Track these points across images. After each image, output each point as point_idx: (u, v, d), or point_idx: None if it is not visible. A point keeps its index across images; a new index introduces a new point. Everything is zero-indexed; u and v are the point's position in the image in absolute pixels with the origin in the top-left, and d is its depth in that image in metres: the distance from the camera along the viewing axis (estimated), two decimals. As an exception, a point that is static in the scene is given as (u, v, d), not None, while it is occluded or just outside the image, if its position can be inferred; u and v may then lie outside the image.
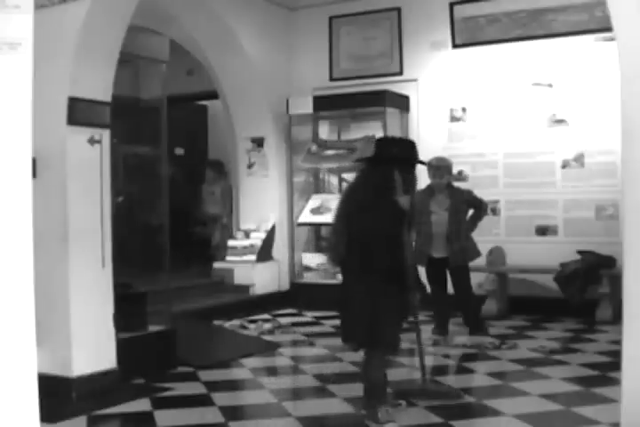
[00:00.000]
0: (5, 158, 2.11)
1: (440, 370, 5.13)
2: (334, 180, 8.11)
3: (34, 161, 2.40)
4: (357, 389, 4.05)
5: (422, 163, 3.92)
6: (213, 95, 8.23)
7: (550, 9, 6.99)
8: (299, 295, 7.58)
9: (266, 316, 6.98)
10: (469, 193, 5.96)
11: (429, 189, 5.96)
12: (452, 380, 4.81)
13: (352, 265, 3.64)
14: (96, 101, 4.39)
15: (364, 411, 3.76)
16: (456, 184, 6.13)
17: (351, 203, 3.70)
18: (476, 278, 6.26)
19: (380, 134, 7.48)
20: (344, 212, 3.69)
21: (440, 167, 5.86)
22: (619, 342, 3.23)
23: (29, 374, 2.11)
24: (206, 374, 4.80)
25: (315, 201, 7.68)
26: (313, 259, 7.56)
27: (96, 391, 4.28)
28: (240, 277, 7.45)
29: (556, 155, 7.00)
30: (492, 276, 6.86)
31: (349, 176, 7.87)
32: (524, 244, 7.06)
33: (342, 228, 3.64)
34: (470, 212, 5.95)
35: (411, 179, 3.72)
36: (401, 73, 7.72)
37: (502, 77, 7.23)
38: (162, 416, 3.91)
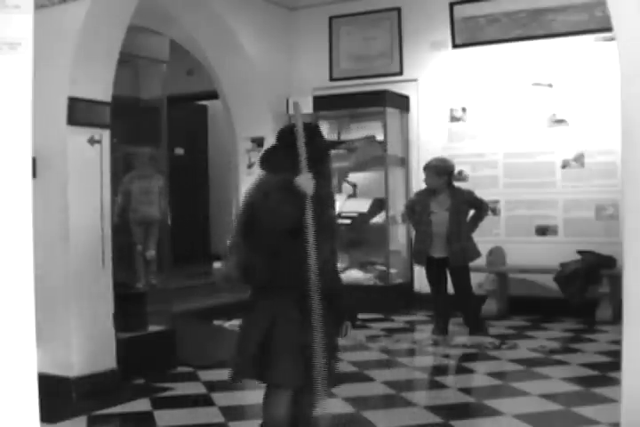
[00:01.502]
0: (5, 158, 2.11)
1: (440, 370, 5.14)
2: (334, 180, 8.12)
3: (34, 161, 2.40)
4: (358, 389, 4.06)
5: (331, 147, 3.25)
6: (213, 95, 8.23)
7: (550, 9, 6.99)
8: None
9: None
10: (470, 193, 5.96)
11: (429, 188, 5.98)
12: (451, 380, 4.82)
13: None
14: (96, 101, 4.39)
15: None
16: (456, 184, 6.13)
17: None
18: (475, 278, 6.26)
19: (380, 134, 7.51)
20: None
21: (427, 168, 5.91)
22: (619, 342, 3.23)
23: (29, 374, 2.10)
24: (206, 374, 4.80)
25: (315, 201, 7.67)
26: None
27: (96, 391, 4.28)
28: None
29: (556, 155, 7.00)
30: (492, 276, 6.86)
31: (349, 176, 7.91)
32: (524, 244, 7.05)
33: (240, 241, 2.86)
34: (471, 212, 5.95)
35: (320, 169, 2.85)
36: (401, 73, 7.72)
37: (502, 77, 7.23)
38: (162, 416, 3.91)
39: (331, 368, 2.73)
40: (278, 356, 2.71)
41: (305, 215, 2.66)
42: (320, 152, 2.87)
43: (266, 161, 2.92)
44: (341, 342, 3.05)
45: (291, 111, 7.69)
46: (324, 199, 2.82)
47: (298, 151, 2.73)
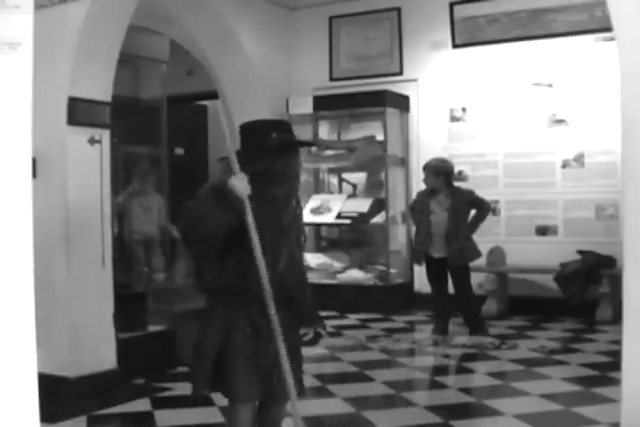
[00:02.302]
0: (5, 158, 2.10)
1: (440, 370, 5.14)
2: (334, 180, 8.12)
3: (34, 161, 2.40)
4: (357, 389, 4.07)
5: (300, 144, 2.93)
6: (213, 95, 8.22)
7: (550, 9, 6.99)
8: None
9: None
10: (471, 193, 5.96)
11: (430, 188, 5.98)
12: (451, 380, 4.82)
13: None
14: (96, 101, 4.39)
15: None
16: (457, 184, 6.13)
17: None
18: (476, 278, 6.25)
19: (380, 134, 7.51)
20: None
21: (426, 168, 5.92)
22: (619, 342, 3.23)
23: (29, 374, 2.10)
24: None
25: (315, 201, 7.68)
26: (313, 259, 7.55)
27: (96, 391, 4.27)
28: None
29: (556, 155, 7.00)
30: (492, 276, 6.86)
31: (349, 176, 7.92)
32: (524, 244, 7.05)
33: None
34: (472, 212, 5.95)
35: (295, 168, 2.65)
36: (401, 73, 7.72)
37: (502, 77, 7.23)
38: (162, 416, 3.91)
39: (296, 377, 2.57)
40: (232, 369, 2.54)
41: (243, 220, 2.44)
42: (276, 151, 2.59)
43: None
44: (315, 349, 2.81)
45: (291, 111, 7.71)
46: (283, 200, 2.61)
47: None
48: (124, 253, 5.65)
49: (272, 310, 2.50)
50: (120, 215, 5.55)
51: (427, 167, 5.94)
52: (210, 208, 2.41)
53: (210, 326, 2.61)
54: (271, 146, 2.58)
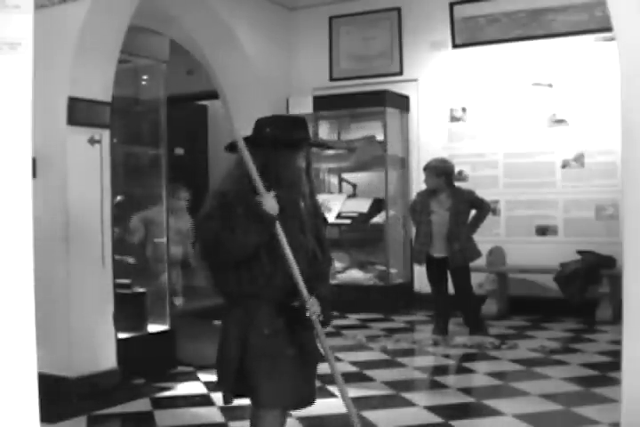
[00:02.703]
0: (5, 158, 2.10)
1: (440, 370, 5.14)
2: (334, 180, 8.11)
3: (34, 161, 2.40)
4: (358, 389, 4.06)
5: (315, 145, 2.97)
6: (213, 95, 8.22)
7: (550, 9, 6.99)
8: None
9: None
10: (471, 193, 5.96)
11: (430, 189, 5.98)
12: (451, 380, 4.81)
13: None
14: (96, 101, 4.39)
15: None
16: (457, 184, 6.13)
17: None
18: (476, 278, 6.25)
19: (380, 134, 7.51)
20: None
21: (427, 169, 5.91)
22: (619, 342, 3.23)
23: (29, 374, 2.10)
24: (206, 374, 4.80)
25: (315, 201, 7.67)
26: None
27: (96, 391, 4.28)
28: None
29: (556, 155, 7.00)
30: (492, 276, 6.86)
31: (349, 176, 7.91)
32: (524, 244, 7.06)
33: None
34: (472, 212, 5.95)
35: (293, 169, 2.57)
36: (401, 73, 7.72)
37: (502, 77, 7.23)
38: (162, 416, 3.91)
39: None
40: (254, 374, 2.48)
41: (273, 237, 2.43)
42: (296, 153, 2.56)
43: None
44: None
45: (291, 111, 7.71)
46: (286, 200, 2.52)
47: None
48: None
49: (302, 312, 2.47)
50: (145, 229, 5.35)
51: (428, 168, 5.95)
52: (242, 230, 2.38)
53: (228, 331, 2.55)
54: (261, 141, 2.54)
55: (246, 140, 2.53)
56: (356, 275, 7.39)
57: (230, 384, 2.53)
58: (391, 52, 7.78)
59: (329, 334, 6.01)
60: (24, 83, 2.13)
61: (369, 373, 4.77)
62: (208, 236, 2.43)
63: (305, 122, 2.70)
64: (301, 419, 3.83)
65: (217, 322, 6.33)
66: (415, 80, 7.63)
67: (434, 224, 5.86)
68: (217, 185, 2.65)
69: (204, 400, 4.23)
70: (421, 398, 4.25)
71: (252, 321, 2.50)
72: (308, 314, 2.47)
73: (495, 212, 7.09)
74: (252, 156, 2.47)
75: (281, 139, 2.54)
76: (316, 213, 2.68)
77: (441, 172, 5.89)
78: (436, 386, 4.60)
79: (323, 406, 4.06)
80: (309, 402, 2.65)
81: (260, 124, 2.63)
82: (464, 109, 7.41)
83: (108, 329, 4.47)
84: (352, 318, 6.82)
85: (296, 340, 2.50)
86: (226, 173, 2.65)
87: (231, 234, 2.38)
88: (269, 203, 2.40)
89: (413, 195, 6.62)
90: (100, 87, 4.45)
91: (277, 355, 2.49)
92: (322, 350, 2.57)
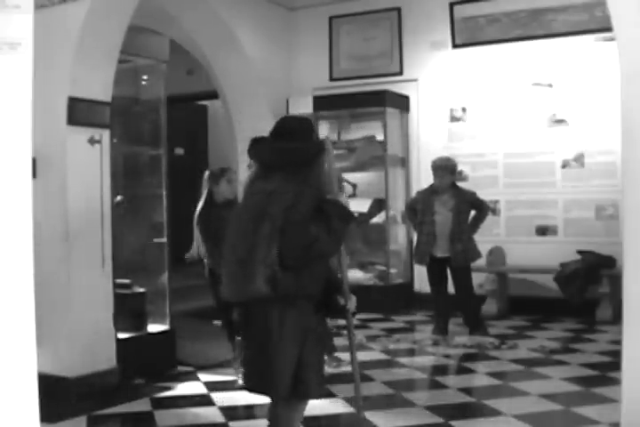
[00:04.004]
0: (5, 158, 2.11)
1: (440, 370, 5.14)
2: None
3: (34, 161, 2.40)
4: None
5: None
6: (213, 95, 8.22)
7: (550, 9, 6.99)
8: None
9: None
10: (473, 194, 5.95)
11: (431, 188, 5.98)
12: (451, 380, 4.82)
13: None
14: (96, 101, 4.39)
15: None
16: (458, 184, 6.13)
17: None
18: (476, 278, 6.25)
19: (380, 134, 7.50)
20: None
21: (441, 167, 5.88)
22: (619, 342, 3.24)
23: (29, 374, 2.10)
24: (206, 374, 4.80)
25: (315, 201, 7.67)
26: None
27: (96, 391, 4.28)
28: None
29: (556, 155, 7.00)
30: (492, 276, 6.86)
31: (349, 176, 7.91)
32: (524, 244, 7.06)
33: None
34: (472, 213, 5.95)
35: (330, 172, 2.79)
36: (401, 73, 7.72)
37: (502, 77, 7.23)
38: (162, 416, 3.92)
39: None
40: (308, 369, 2.65)
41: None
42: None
43: (274, 153, 2.74)
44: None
45: (291, 111, 7.71)
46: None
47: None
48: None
49: (350, 310, 2.87)
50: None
51: (439, 167, 5.87)
52: (334, 231, 2.60)
53: (285, 332, 2.62)
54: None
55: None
56: (355, 275, 7.38)
57: (288, 381, 2.62)
58: (391, 52, 7.78)
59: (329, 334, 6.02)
60: (24, 83, 2.13)
61: (369, 373, 4.77)
62: (307, 239, 2.55)
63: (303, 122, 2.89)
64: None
65: (217, 322, 6.37)
66: (415, 80, 7.63)
67: (437, 224, 5.85)
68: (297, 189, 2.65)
69: (204, 400, 4.23)
70: (421, 398, 4.25)
71: (309, 321, 2.68)
72: (349, 309, 2.85)
73: (495, 212, 7.09)
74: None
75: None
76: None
77: (453, 169, 5.90)
78: (435, 386, 4.60)
79: (323, 407, 4.07)
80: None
81: (305, 126, 2.82)
82: (464, 109, 7.41)
83: (108, 329, 4.48)
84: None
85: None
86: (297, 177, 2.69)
87: (327, 235, 2.58)
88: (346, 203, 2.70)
89: (413, 195, 6.60)
90: (100, 87, 4.45)
91: (323, 349, 2.81)
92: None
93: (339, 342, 5.69)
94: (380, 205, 7.49)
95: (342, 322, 6.48)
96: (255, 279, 2.54)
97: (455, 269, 5.92)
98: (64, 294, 4.26)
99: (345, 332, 3.08)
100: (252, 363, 2.72)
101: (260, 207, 2.60)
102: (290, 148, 2.71)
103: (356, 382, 2.92)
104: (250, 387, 2.74)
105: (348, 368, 4.86)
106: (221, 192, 4.80)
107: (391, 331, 6.21)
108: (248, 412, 4.16)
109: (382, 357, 5.30)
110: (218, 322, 6.29)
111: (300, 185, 2.63)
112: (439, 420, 3.76)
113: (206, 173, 4.91)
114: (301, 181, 2.65)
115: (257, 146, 2.81)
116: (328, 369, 4.33)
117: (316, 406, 4.09)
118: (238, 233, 2.68)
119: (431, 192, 5.96)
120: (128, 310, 4.73)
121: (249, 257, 2.57)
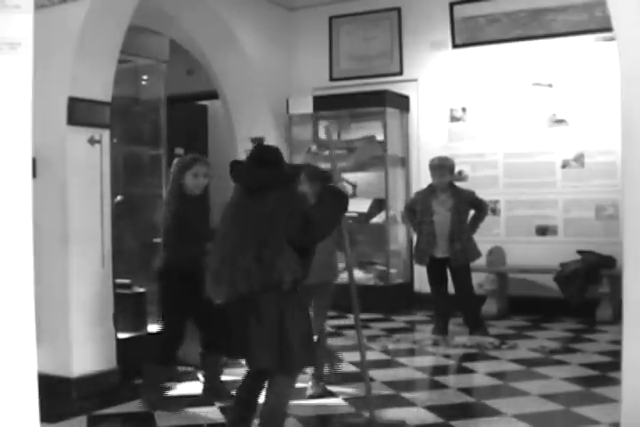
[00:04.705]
0: (5, 158, 2.11)
1: (440, 370, 5.14)
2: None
3: (34, 161, 2.40)
4: (358, 389, 4.05)
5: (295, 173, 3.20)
6: (213, 95, 8.22)
7: (550, 9, 6.99)
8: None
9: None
10: (472, 194, 5.95)
11: (430, 187, 5.98)
12: (452, 380, 4.81)
13: None
14: (96, 101, 4.39)
15: None
16: (456, 184, 6.13)
17: None
18: (476, 278, 6.25)
19: (380, 134, 7.50)
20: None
21: (440, 166, 5.88)
22: (619, 342, 3.24)
23: (29, 374, 2.11)
24: (206, 374, 4.79)
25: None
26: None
27: (96, 391, 4.28)
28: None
29: (556, 155, 7.00)
30: (492, 276, 6.86)
31: (349, 176, 7.90)
32: (524, 244, 7.06)
33: None
34: (471, 212, 5.95)
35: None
36: (401, 73, 7.72)
37: (502, 77, 7.23)
38: (162, 416, 3.91)
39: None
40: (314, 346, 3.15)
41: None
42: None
43: (252, 177, 3.02)
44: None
45: (291, 111, 7.72)
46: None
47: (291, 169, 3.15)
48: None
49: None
50: None
51: (440, 166, 5.86)
52: (331, 205, 3.06)
53: (303, 314, 3.09)
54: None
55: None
56: (355, 275, 7.37)
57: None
58: (391, 52, 7.78)
59: (330, 334, 6.02)
60: (24, 83, 2.13)
61: (369, 373, 4.75)
62: (304, 218, 2.91)
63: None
64: (302, 419, 3.82)
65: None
66: (415, 80, 7.63)
67: (436, 224, 5.85)
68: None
69: (203, 400, 4.22)
70: (421, 398, 4.25)
71: (299, 303, 3.06)
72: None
73: (495, 212, 7.09)
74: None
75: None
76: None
77: (451, 168, 5.91)
78: (435, 386, 4.60)
79: (323, 407, 4.07)
80: None
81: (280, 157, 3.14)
82: (464, 109, 7.41)
83: (108, 329, 4.48)
84: (352, 318, 6.80)
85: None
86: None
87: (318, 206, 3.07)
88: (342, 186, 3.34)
89: (412, 195, 6.60)
90: (99, 87, 4.45)
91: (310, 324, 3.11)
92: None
93: (339, 342, 5.70)
94: (379, 205, 7.49)
95: (346, 322, 6.52)
96: (275, 270, 2.84)
97: (455, 269, 5.92)
98: (64, 294, 4.26)
99: (345, 332, 3.19)
100: (266, 346, 2.92)
101: (263, 224, 2.91)
102: (272, 174, 3.01)
103: (366, 381, 3.22)
104: (267, 368, 2.99)
105: (349, 368, 4.87)
106: (186, 185, 4.09)
107: (391, 331, 6.21)
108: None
109: (382, 357, 5.30)
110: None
111: (287, 195, 3.01)
112: (439, 420, 3.76)
113: (175, 161, 4.26)
114: (288, 196, 3.02)
115: (239, 169, 3.07)
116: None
117: (317, 406, 4.10)
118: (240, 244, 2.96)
119: (430, 192, 5.95)
120: (128, 310, 4.72)
121: (262, 254, 2.87)
